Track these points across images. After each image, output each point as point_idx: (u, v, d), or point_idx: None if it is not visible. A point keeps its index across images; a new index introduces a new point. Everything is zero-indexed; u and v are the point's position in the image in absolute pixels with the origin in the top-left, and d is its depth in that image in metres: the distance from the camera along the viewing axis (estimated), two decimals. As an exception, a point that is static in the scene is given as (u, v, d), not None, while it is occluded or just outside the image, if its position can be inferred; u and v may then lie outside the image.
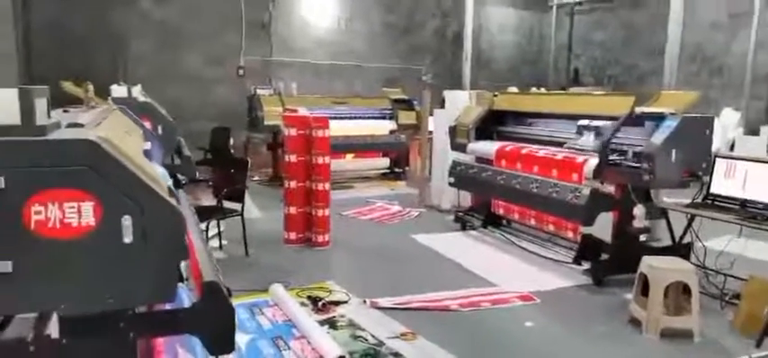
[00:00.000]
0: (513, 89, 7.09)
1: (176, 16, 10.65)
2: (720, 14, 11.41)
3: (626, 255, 4.42)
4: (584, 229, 4.89)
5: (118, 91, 5.50)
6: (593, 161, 4.73)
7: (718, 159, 4.17)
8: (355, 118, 10.08)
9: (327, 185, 5.68)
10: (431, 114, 8.16)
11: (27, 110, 1.66)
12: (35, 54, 9.91)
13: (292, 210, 5.71)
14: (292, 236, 5.74)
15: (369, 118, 10.28)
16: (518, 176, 5.42)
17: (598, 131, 4.81)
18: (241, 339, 3.55)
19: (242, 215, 5.23)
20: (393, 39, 12.91)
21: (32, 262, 1.65)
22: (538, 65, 15.39)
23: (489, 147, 6.08)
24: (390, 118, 10.40)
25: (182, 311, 2.22)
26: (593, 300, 4.45)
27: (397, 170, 10.22)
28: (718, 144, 10.14)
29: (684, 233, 4.46)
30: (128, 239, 1.72)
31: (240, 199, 5.19)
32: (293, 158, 5.64)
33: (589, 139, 4.86)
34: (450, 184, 6.60)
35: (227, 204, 5.30)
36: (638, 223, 4.65)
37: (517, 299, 4.39)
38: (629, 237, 4.66)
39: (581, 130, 4.97)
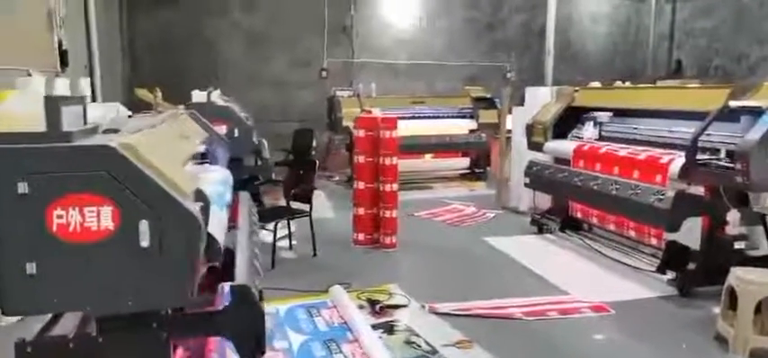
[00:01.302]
0: (596, 84, 6.62)
1: (262, 23, 11.08)
2: None
3: (717, 265, 3.99)
4: (668, 236, 4.47)
5: (198, 96, 5.76)
6: (680, 161, 4.31)
7: (827, 158, 3.64)
8: (434, 117, 9.97)
9: (395, 186, 5.63)
10: (510, 112, 7.88)
11: (53, 117, 1.73)
12: (138, 61, 10.72)
13: (360, 211, 5.72)
14: (361, 237, 5.74)
15: (448, 117, 10.14)
16: (597, 178, 5.07)
17: (598, 123, 4.38)
18: (295, 340, 3.59)
19: (310, 215, 5.30)
20: (476, 35, 12.62)
21: (55, 264, 1.72)
22: (634, 57, 14.38)
23: (566, 147, 5.74)
24: (471, 117, 10.18)
25: (212, 314, 2.25)
26: (676, 313, 4.05)
27: (477, 170, 9.98)
28: None
29: (789, 242, 3.94)
30: (145, 243, 1.76)
31: (308, 199, 5.26)
32: (361, 159, 5.64)
33: (590, 133, 4.43)
34: (526, 185, 6.31)
35: (297, 205, 5.40)
36: (732, 229, 4.19)
37: (589, 309, 4.09)
38: (721, 245, 4.19)
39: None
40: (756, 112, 3.92)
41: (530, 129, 6.44)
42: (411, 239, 5.98)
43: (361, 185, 5.68)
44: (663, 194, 4.26)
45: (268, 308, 4.04)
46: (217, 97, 6.11)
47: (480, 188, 9.24)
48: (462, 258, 5.49)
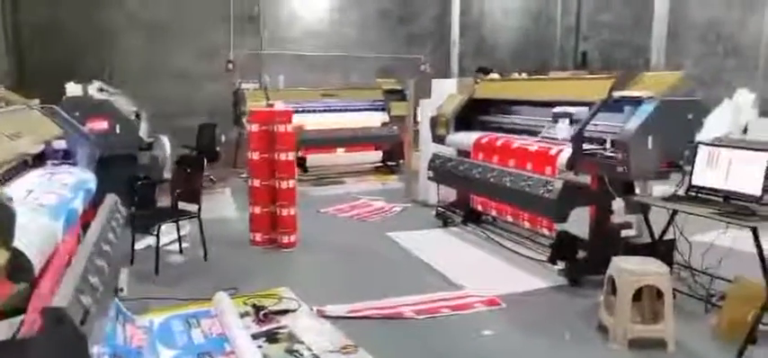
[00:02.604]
0: (495, 75, 6.69)
1: (163, 12, 10.46)
2: (733, -11, 10.75)
3: (605, 254, 3.99)
4: (559, 226, 4.50)
5: (72, 89, 5.26)
6: (568, 151, 4.34)
7: (700, 147, 3.74)
8: (346, 110, 9.79)
9: (292, 183, 5.38)
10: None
11: None
12: (24, 55, 9.82)
13: (257, 209, 5.43)
14: (258, 237, 5.46)
15: (360, 110, 9.98)
16: (493, 169, 5.05)
17: (572, 119, 4.40)
18: (164, 356, 3.28)
19: (198, 216, 4.95)
20: (389, 27, 12.52)
21: None
22: (545, 50, 14.82)
23: (467, 139, 5.71)
24: (383, 109, 10.07)
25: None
26: (566, 303, 4.08)
27: (390, 163, 9.89)
28: (729, 128, 9.54)
29: (666, 229, 4.04)
30: None
31: (196, 199, 4.91)
32: (256, 156, 5.35)
33: (564, 128, 4.45)
34: (429, 179, 6.25)
35: (186, 205, 5.04)
36: (618, 218, 4.26)
37: (481, 303, 4.04)
38: (608, 234, 4.26)
39: (556, 118, 4.55)
40: (636, 102, 3.99)
41: (433, 122, 6.38)
42: (313, 238, 5.77)
43: (257, 183, 5.39)
44: (551, 185, 4.27)
45: (142, 321, 3.74)
46: (95, 91, 5.61)
47: (393, 182, 9.13)
48: (362, 256, 5.33)
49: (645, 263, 3.43)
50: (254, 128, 5.32)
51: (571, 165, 4.30)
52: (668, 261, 4.11)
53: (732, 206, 3.46)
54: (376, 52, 12.28)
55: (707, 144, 3.75)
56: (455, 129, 6.06)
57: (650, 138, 3.82)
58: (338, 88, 10.08)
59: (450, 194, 6.44)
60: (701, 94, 11.25)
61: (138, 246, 5.14)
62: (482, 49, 13.93)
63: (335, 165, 9.75)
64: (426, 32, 13.19)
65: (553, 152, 4.49)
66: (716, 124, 9.95)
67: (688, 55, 11.71)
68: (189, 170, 5.02)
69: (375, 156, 9.96)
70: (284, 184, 5.32)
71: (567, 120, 4.41)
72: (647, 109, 3.85)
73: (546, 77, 5.94)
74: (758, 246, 3.28)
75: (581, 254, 4.45)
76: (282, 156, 5.28)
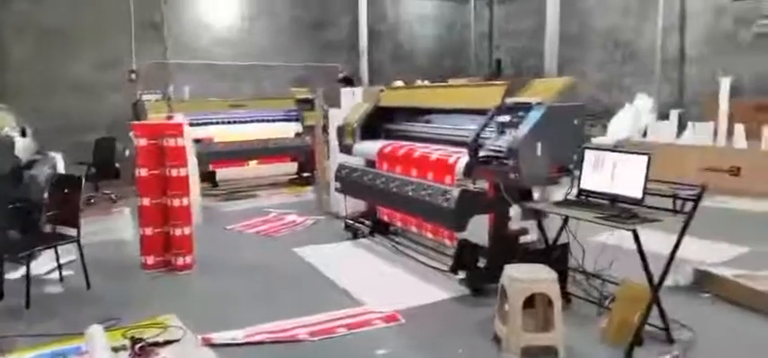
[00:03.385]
0: (399, 83, 6.64)
1: (57, 17, 9.71)
2: (630, -1, 11.34)
3: (504, 261, 3.97)
4: (460, 235, 4.45)
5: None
6: (465, 159, 4.30)
7: (586, 151, 3.78)
8: (257, 121, 9.48)
9: (186, 200, 5.06)
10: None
11: None
12: None
13: (148, 230, 5.06)
14: (150, 260, 5.09)
15: (272, 120, 9.70)
16: (395, 180, 4.95)
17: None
18: (17, 404, 2.92)
19: (78, 240, 4.53)
20: (304, 35, 12.28)
21: None
22: (461, 57, 15.08)
23: (372, 148, 5.59)
24: (297, 120, 9.84)
25: None
26: (466, 314, 4.02)
27: (305, 175, 9.65)
28: (629, 132, 10.04)
29: (559, 233, 4.07)
30: None
31: (74, 222, 4.49)
32: (144, 172, 4.98)
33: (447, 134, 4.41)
34: (336, 190, 6.09)
35: (64, 229, 4.61)
36: (515, 225, 4.26)
37: (380, 320, 3.90)
38: (507, 241, 4.26)
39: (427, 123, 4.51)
40: (526, 108, 4.01)
41: (340, 131, 6.23)
42: (213, 258, 5.47)
43: (147, 201, 5.02)
44: (449, 194, 4.22)
45: (-2, 364, 3.34)
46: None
47: (308, 193, 8.90)
48: (263, 275, 5.07)
49: (535, 270, 3.42)
50: (142, 142, 4.96)
51: (468, 172, 4.26)
52: (563, 265, 4.17)
53: (617, 209, 3.51)
54: (290, 61, 12.00)
55: (593, 148, 3.80)
56: (362, 138, 5.94)
57: (539, 144, 3.83)
58: (249, 98, 9.75)
59: (360, 206, 6.31)
60: (605, 99, 11.85)
61: (13, 275, 4.65)
62: (399, 56, 13.97)
63: (248, 179, 9.42)
64: (342, 40, 13.05)
65: (451, 161, 4.44)
66: (618, 127, 10.45)
67: (591, 62, 12.25)
68: (67, 190, 4.59)
69: (290, 167, 9.70)
70: (177, 202, 4.98)
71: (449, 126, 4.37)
72: (535, 115, 3.86)
73: (446, 85, 5.94)
74: (639, 247, 3.34)
75: (482, 262, 4.41)
76: (174, 172, 4.95)
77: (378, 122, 6.03)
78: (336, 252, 5.67)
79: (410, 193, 4.66)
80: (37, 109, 9.02)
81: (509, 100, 4.23)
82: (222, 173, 9.00)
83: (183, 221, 5.03)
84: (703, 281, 4.31)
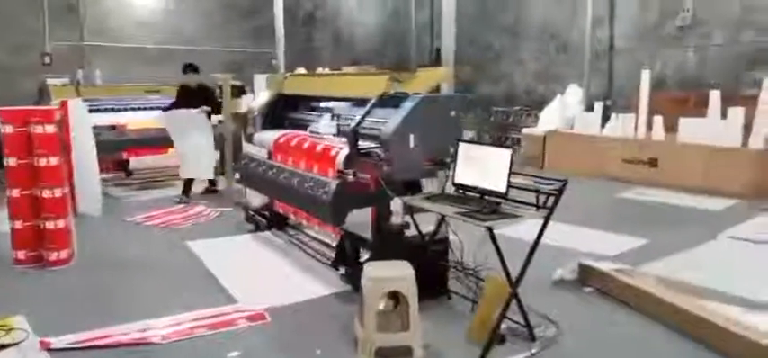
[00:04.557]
0: (301, 70, 6.42)
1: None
2: (563, -11, 11.35)
3: (386, 257, 3.83)
4: (345, 228, 4.28)
5: None
6: (346, 151, 4.12)
7: (460, 145, 3.64)
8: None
9: (60, 191, 4.73)
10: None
11: None
12: None
13: (18, 224, 4.72)
14: (21, 255, 4.75)
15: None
16: (283, 171, 4.74)
17: (335, 115, 4.19)
18: None
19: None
20: (235, 20, 11.91)
21: None
22: (404, 46, 14.90)
23: (269, 138, 5.35)
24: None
25: None
26: (339, 313, 3.84)
27: (227, 164, 9.31)
28: (557, 123, 10.07)
29: (437, 228, 3.94)
30: None
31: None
32: (12, 162, 4.63)
33: (327, 125, 4.23)
34: (237, 181, 5.84)
35: None
36: (397, 219, 4.10)
37: (245, 319, 3.70)
38: (389, 236, 4.10)
39: (321, 113, 4.33)
40: (403, 99, 3.84)
41: (244, 120, 5.97)
42: (98, 252, 5.19)
43: (16, 193, 4.68)
44: (328, 187, 4.03)
45: None
46: None
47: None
48: (145, 271, 4.79)
49: (394, 268, 3.26)
50: (9, 129, 4.60)
51: (348, 164, 4.08)
52: (443, 259, 4.06)
53: (482, 203, 3.39)
54: (222, 46, 11.61)
55: (465, 142, 3.66)
56: (263, 127, 5.69)
57: (411, 136, 3.68)
58: (166, 84, 9.32)
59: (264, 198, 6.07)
60: (541, 89, 11.88)
61: None
62: (340, 42, 13.73)
63: (167, 167, 9.02)
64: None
65: (333, 152, 4.25)
66: (548, 118, 10.43)
67: (527, 51, 12.26)
68: None
69: (212, 156, 9.33)
70: (48, 193, 4.65)
71: (329, 116, 4.19)
72: (407, 106, 3.70)
73: (339, 73, 5.75)
74: (495, 243, 3.22)
75: (364, 257, 4.25)
76: (43, 161, 4.61)
77: (282, 111, 5.80)
78: (230, 246, 5.44)
79: (295, 186, 4.46)
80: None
81: (392, 90, 4.06)
82: (137, 161, 8.60)
83: (57, 214, 4.71)
84: (586, 276, 4.25)
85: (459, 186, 3.65)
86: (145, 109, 8.75)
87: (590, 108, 9.92)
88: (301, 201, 4.45)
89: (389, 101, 4.08)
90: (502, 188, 3.34)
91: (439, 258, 4.00)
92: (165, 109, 7.55)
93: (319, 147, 4.46)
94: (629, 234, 5.66)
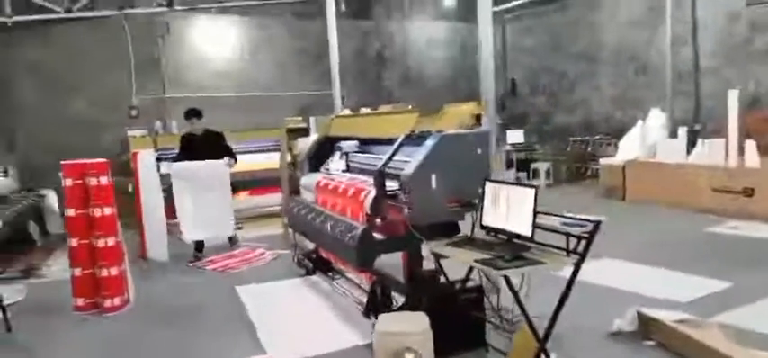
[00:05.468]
0: (347, 111, 6.34)
1: (58, 60, 10.08)
2: (639, 8, 10.65)
3: (419, 305, 3.62)
4: (376, 273, 4.11)
5: None
6: (373, 194, 3.98)
7: (487, 184, 3.39)
8: (246, 152, 9.39)
9: (113, 240, 4.95)
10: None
11: None
12: None
13: (77, 271, 4.98)
14: (80, 302, 5.00)
15: (263, 151, 9.61)
16: (320, 214, 4.67)
17: (344, 153, 4.07)
18: None
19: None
20: (305, 65, 12.24)
21: None
22: (475, 79, 14.62)
23: (313, 181, 5.33)
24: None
25: None
26: (364, 365, 3.66)
27: (294, 205, 9.45)
28: (638, 151, 9.32)
29: (468, 274, 3.66)
30: None
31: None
32: (71, 213, 4.92)
33: (336, 161, 4.11)
34: (285, 224, 5.85)
35: None
36: (430, 264, 3.89)
37: (268, 371, 3.61)
38: (422, 282, 3.88)
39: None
40: (426, 138, 3.66)
41: (293, 164, 6.02)
42: (154, 298, 5.37)
43: (75, 242, 4.95)
44: (354, 231, 3.89)
45: None
46: None
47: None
48: (188, 319, 4.83)
49: (408, 321, 3.04)
50: (68, 182, 4.90)
51: (375, 208, 3.92)
52: (479, 308, 3.76)
53: (508, 247, 3.10)
54: (294, 90, 11.98)
55: (491, 181, 3.40)
56: (311, 170, 5.69)
57: (433, 176, 3.47)
58: (242, 130, 9.70)
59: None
60: (619, 115, 11.13)
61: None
62: (408, 80, 13.73)
63: (238, 211, 9.31)
64: (346, 67, 12.94)
65: (362, 195, 4.11)
66: (628, 146, 9.71)
67: (604, 76, 11.58)
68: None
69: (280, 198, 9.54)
70: (102, 243, 4.88)
71: (338, 155, 4.07)
72: (428, 145, 3.51)
73: (375, 113, 5.62)
74: (513, 292, 2.91)
75: (397, 304, 4.04)
76: (98, 212, 4.85)
77: (329, 153, 5.78)
78: (277, 291, 5.41)
79: (328, 230, 4.36)
80: (36, 145, 9.40)
81: (418, 130, 3.89)
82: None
83: (110, 262, 4.92)
84: (647, 328, 3.77)
85: (487, 229, 3.39)
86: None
87: (675, 134, 9.12)
88: (333, 245, 4.34)
89: (417, 140, 3.90)
90: (526, 231, 3.04)
91: (473, 307, 3.71)
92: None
93: (351, 191, 4.34)
94: (712, 275, 5.02)
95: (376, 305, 4.06)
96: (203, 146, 6.66)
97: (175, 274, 6.30)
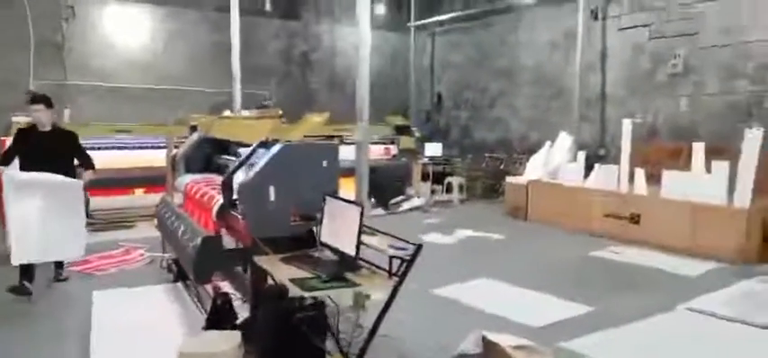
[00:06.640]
0: (227, 112, 6.12)
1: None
2: (556, 34, 10.91)
3: (263, 324, 3.44)
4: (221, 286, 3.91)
5: None
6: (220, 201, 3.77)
7: (327, 199, 3.25)
8: (143, 148, 8.99)
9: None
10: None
11: None
12: None
13: None
14: None
15: (162, 148, 9.19)
16: (179, 219, 4.42)
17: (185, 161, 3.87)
18: None
19: None
20: (223, 61, 11.85)
21: None
22: (405, 89, 14.65)
23: (182, 183, 5.06)
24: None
25: None
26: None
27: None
28: (541, 172, 9.50)
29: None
30: None
31: None
32: None
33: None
34: (156, 227, 5.55)
35: None
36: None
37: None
38: (265, 300, 3.69)
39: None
40: (269, 147, 3.49)
41: (173, 163, 5.73)
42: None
43: None
44: (195, 241, 3.68)
45: None
46: None
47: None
48: (22, 324, 4.46)
49: (216, 342, 2.86)
50: None
51: (221, 217, 3.73)
52: (318, 327, 3.61)
53: (341, 265, 2.98)
54: (208, 86, 11.57)
55: (331, 197, 3.27)
56: (187, 171, 5.41)
57: (273, 188, 3.31)
58: (141, 124, 9.25)
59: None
60: (535, 136, 11.34)
61: None
62: (335, 84, 13.57)
63: (132, 208, 8.88)
64: (270, 67, 12.68)
65: (213, 203, 3.91)
66: (533, 166, 9.86)
67: (522, 97, 11.79)
68: None
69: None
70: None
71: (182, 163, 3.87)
72: (268, 154, 3.35)
73: (240, 117, 5.45)
74: (321, 314, 2.78)
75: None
76: None
77: (212, 155, 5.52)
78: (136, 298, 5.08)
79: (179, 236, 4.13)
80: None
81: (268, 138, 3.73)
82: (98, 202, 8.45)
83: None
84: (488, 352, 3.72)
85: (324, 245, 3.26)
86: (109, 148, 8.69)
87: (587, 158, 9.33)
88: (181, 253, 4.10)
89: (269, 149, 3.73)
90: (351, 250, 2.92)
91: (313, 325, 3.55)
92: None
93: (205, 197, 4.13)
94: (577, 300, 5.09)
95: (218, 318, 3.84)
96: (46, 146, 4.94)
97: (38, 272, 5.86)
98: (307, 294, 2.67)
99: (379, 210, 9.76)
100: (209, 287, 4.69)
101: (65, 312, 4.73)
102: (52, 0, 9.98)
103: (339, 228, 3.07)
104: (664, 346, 4.19)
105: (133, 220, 8.61)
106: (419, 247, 2.81)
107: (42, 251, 4.76)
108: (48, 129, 5.06)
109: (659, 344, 4.23)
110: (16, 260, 4.66)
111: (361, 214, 2.90)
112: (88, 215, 8.24)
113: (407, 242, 2.88)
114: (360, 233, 2.89)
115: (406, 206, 9.95)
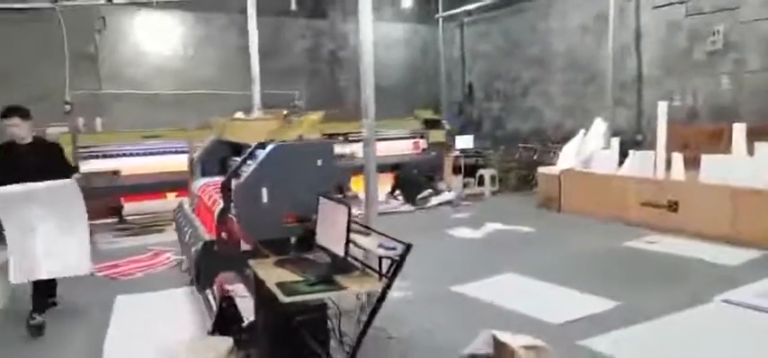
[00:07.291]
0: (240, 114, 6.07)
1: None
2: (587, 17, 10.49)
3: (267, 328, 3.41)
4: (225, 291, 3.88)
5: None
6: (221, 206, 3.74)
7: (321, 200, 3.17)
8: (171, 153, 9.15)
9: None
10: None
11: None
12: None
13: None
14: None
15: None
16: (188, 223, 4.44)
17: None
18: None
19: None
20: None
21: None
22: (435, 82, 14.44)
23: (196, 187, 5.08)
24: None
25: None
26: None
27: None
28: (574, 161, 9.14)
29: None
30: None
31: None
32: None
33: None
34: (175, 230, 5.61)
35: None
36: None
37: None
38: (270, 303, 3.64)
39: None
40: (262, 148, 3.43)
41: (191, 166, 5.77)
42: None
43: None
44: (196, 246, 3.66)
45: None
46: None
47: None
48: (52, 331, 4.58)
49: (209, 347, 2.82)
50: None
51: (221, 221, 3.69)
52: (322, 329, 3.53)
53: (332, 267, 2.89)
54: (239, 89, 11.69)
55: (324, 197, 3.18)
56: (203, 175, 5.43)
57: (265, 190, 3.25)
58: (168, 129, 9.43)
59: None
60: (570, 124, 10.95)
61: None
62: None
63: (165, 212, 9.05)
64: (298, 67, 12.72)
65: (215, 207, 3.88)
66: (566, 155, 9.51)
67: (555, 84, 11.42)
68: None
69: (210, 200, 9.30)
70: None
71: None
72: (261, 156, 3.29)
73: (248, 119, 5.39)
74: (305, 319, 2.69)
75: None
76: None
77: (226, 157, 5.53)
78: (156, 303, 5.14)
79: (186, 241, 4.14)
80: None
81: (266, 139, 3.66)
82: (132, 206, 8.68)
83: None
84: (499, 353, 3.56)
85: (319, 247, 3.18)
86: (139, 155, 8.90)
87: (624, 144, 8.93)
88: (189, 257, 4.11)
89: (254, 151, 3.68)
90: (340, 251, 2.83)
91: (314, 328, 3.48)
92: None
93: (211, 200, 4.11)
94: (604, 294, 4.83)
95: (225, 324, 3.82)
96: (30, 161, 4.56)
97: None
98: (286, 299, 2.58)
99: (408, 206, 9.64)
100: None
101: (85, 318, 4.82)
102: (85, 12, 10.27)
103: (330, 230, 2.98)
104: (694, 342, 3.92)
105: (164, 224, 8.78)
106: (409, 247, 2.68)
107: (43, 267, 4.46)
108: (28, 140, 4.64)
109: (690, 339, 3.97)
110: (15, 279, 4.42)
111: (349, 214, 2.80)
112: (122, 219, 8.52)
113: (397, 241, 2.76)
114: (348, 233, 2.79)
115: (434, 201, 9.78)
